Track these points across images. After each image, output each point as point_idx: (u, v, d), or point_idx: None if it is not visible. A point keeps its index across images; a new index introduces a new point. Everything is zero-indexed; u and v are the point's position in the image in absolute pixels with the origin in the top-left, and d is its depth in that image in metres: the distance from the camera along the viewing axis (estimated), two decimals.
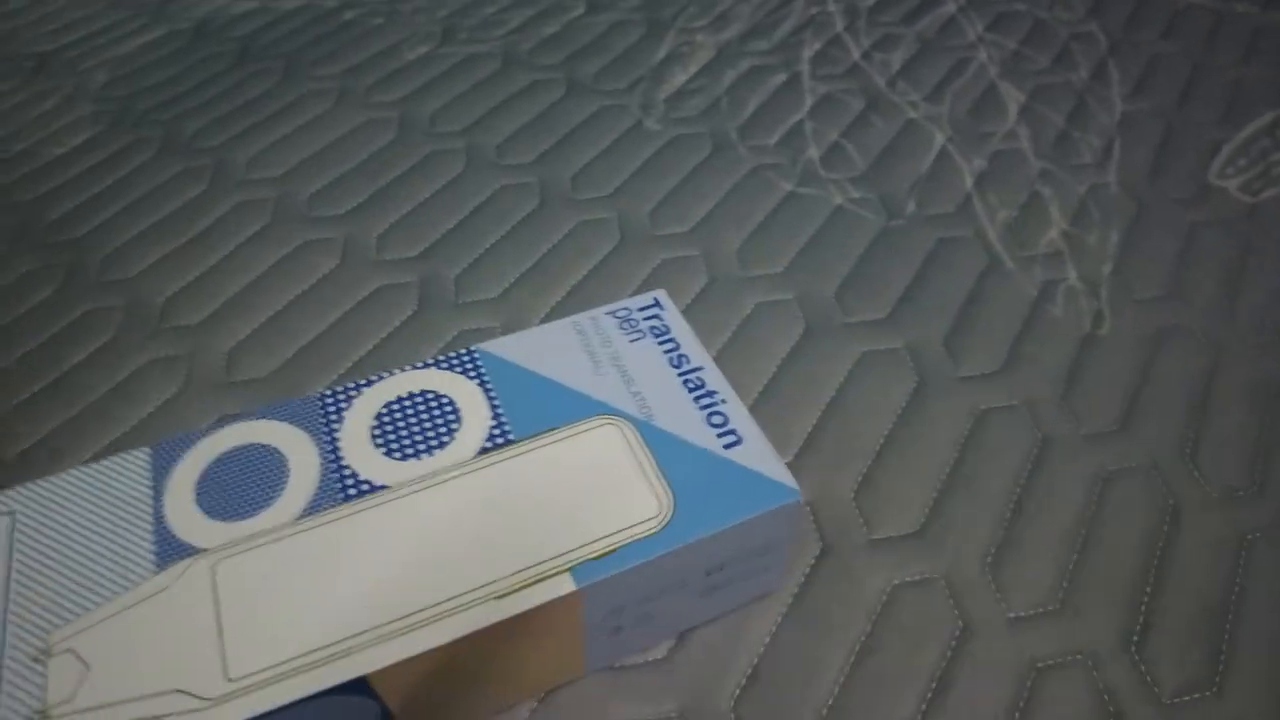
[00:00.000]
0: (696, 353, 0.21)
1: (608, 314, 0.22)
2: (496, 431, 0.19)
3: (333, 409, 0.20)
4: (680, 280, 0.30)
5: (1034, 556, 0.23)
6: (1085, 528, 0.24)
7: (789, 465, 0.25)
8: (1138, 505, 0.24)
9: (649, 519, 0.18)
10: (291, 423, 0.19)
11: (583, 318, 0.22)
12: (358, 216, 0.33)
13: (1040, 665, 0.21)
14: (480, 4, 0.45)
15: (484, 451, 0.19)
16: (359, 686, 0.15)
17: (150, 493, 0.18)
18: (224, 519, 0.17)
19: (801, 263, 0.31)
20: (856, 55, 0.42)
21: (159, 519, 0.17)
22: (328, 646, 0.15)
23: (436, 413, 0.19)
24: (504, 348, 0.21)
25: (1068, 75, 0.41)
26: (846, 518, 0.24)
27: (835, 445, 0.25)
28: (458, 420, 0.19)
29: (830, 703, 0.20)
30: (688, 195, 0.34)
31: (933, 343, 0.28)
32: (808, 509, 0.24)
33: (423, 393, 0.20)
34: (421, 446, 0.19)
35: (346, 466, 0.18)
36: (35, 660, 0.15)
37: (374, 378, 0.20)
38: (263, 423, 0.19)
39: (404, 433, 0.19)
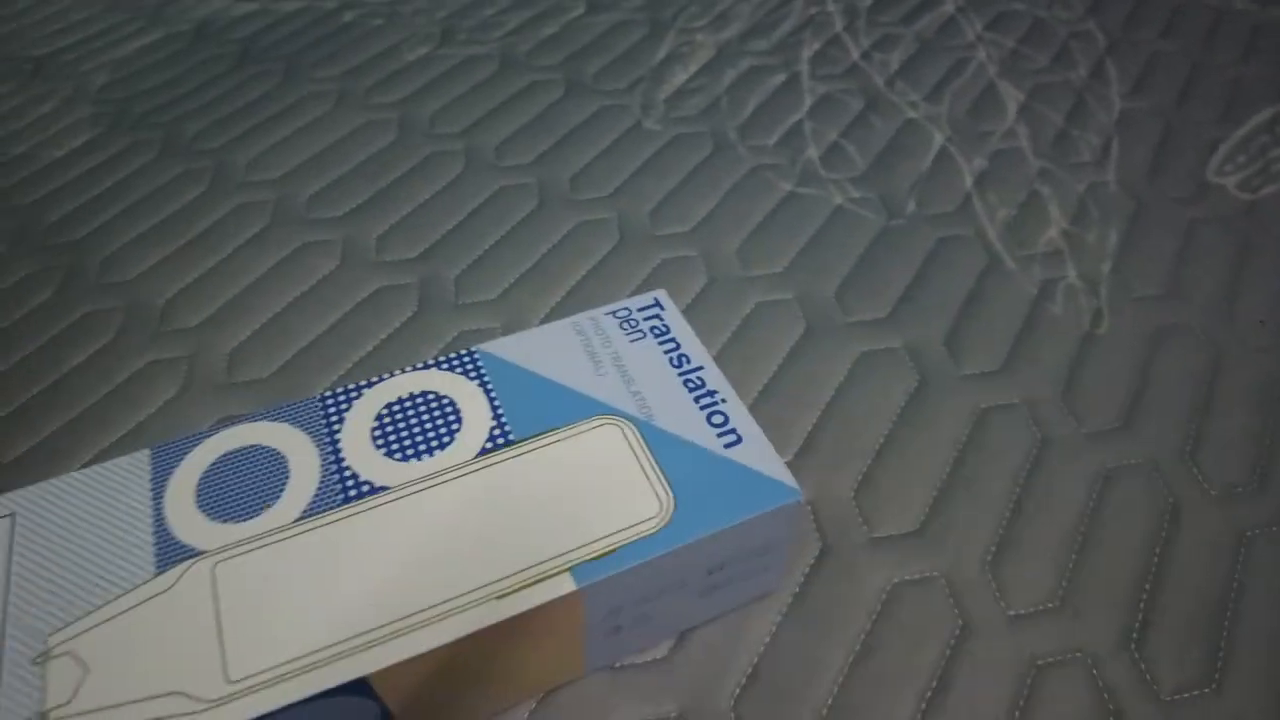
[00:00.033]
0: (697, 352, 0.21)
1: (608, 314, 0.22)
2: (497, 432, 0.19)
3: (333, 410, 0.20)
4: (680, 280, 0.30)
5: (1034, 555, 0.23)
6: (1085, 526, 0.24)
7: (789, 465, 0.25)
8: (1137, 503, 0.24)
9: (649, 519, 0.18)
10: (292, 424, 0.19)
11: (583, 318, 0.22)
12: (357, 218, 0.33)
13: (1040, 663, 0.21)
14: (479, 5, 0.45)
15: (484, 452, 0.19)
16: (359, 687, 0.16)
17: (150, 495, 0.18)
18: (224, 520, 0.17)
19: (801, 262, 0.31)
20: (856, 55, 0.42)
21: (159, 521, 0.17)
22: (328, 647, 0.16)
23: (437, 413, 0.20)
24: (504, 348, 0.21)
25: (1066, 74, 0.41)
26: (846, 517, 0.24)
27: (835, 444, 0.25)
28: (458, 421, 0.19)
29: (830, 702, 0.20)
30: (687, 195, 0.34)
31: (933, 342, 0.28)
32: (808, 508, 0.24)
33: (423, 393, 0.20)
34: (422, 447, 0.19)
35: (347, 467, 0.18)
36: (34, 663, 0.15)
37: (374, 379, 0.20)
38: (263, 424, 0.19)
39: (405, 434, 0.19)
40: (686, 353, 0.21)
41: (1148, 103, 0.39)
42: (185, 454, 0.19)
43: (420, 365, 0.21)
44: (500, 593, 0.16)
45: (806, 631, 0.21)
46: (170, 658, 0.15)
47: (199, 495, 0.18)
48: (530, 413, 0.20)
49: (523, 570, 0.17)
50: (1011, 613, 0.22)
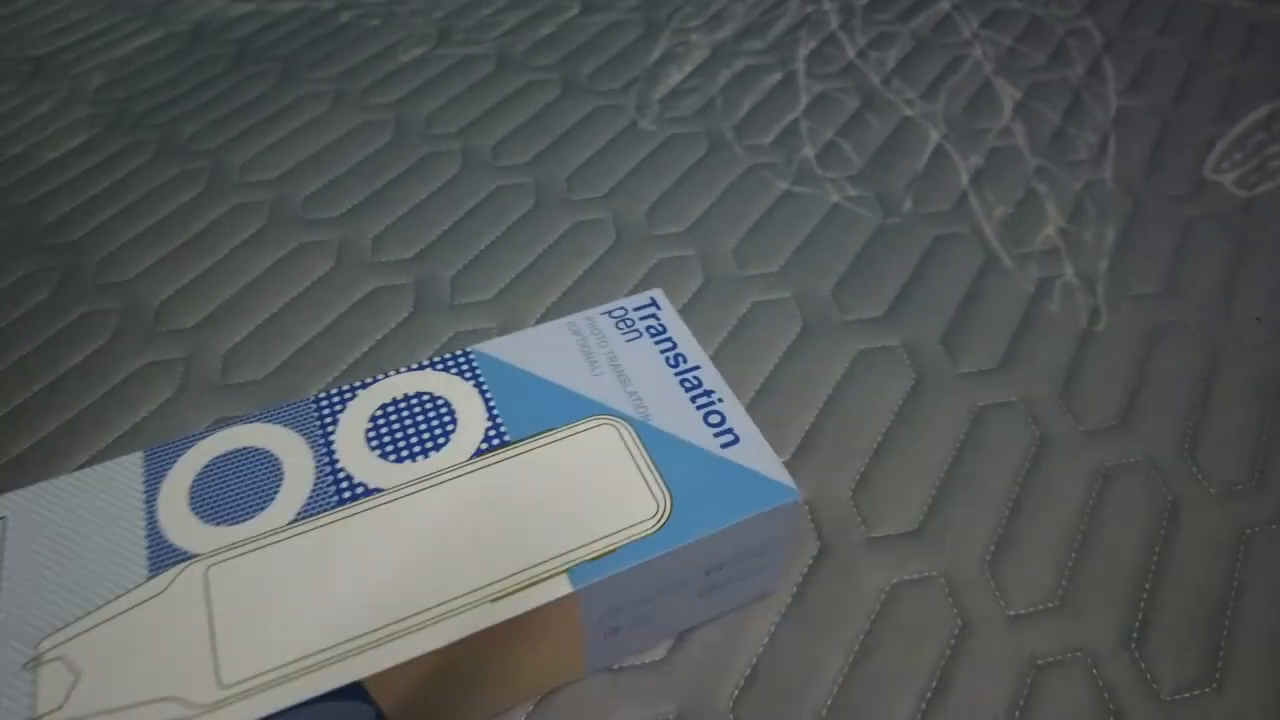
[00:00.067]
0: (693, 352, 0.21)
1: (604, 314, 0.22)
2: (492, 433, 0.19)
3: (327, 412, 0.19)
4: (676, 280, 0.30)
5: (1033, 554, 0.23)
6: (1084, 525, 0.24)
7: (787, 464, 0.25)
8: (1136, 502, 0.24)
9: (646, 519, 0.18)
10: (286, 426, 0.19)
11: (578, 318, 0.22)
12: (353, 218, 0.33)
13: (1040, 663, 0.21)
14: (476, 5, 0.45)
15: (480, 453, 0.19)
16: (354, 691, 0.15)
17: (143, 497, 0.18)
18: (218, 523, 0.17)
19: (798, 261, 0.31)
20: (852, 54, 0.42)
21: (152, 524, 0.17)
22: (322, 651, 0.15)
23: (432, 415, 0.19)
24: (500, 349, 0.21)
25: (1063, 72, 0.41)
26: (845, 517, 0.24)
27: (833, 444, 0.25)
28: (453, 422, 0.19)
29: (829, 703, 0.20)
30: (683, 195, 0.34)
31: (930, 340, 0.28)
32: (806, 508, 0.24)
33: (418, 394, 0.20)
34: (417, 448, 0.19)
35: (341, 469, 0.18)
36: (26, 668, 0.15)
37: (369, 380, 0.20)
38: (257, 426, 0.19)
39: (399, 435, 0.19)
40: (683, 352, 0.21)
41: (1145, 100, 0.39)
42: (178, 456, 0.18)
43: (415, 366, 0.21)
44: (496, 595, 0.16)
45: (805, 632, 0.21)
46: (163, 662, 0.15)
47: (192, 498, 0.18)
48: (526, 413, 0.20)
49: (519, 572, 0.17)
50: (1011, 612, 0.22)
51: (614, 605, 0.18)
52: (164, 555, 0.17)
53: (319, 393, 0.22)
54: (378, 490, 0.18)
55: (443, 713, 0.18)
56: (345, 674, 0.15)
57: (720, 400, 0.20)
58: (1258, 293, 0.30)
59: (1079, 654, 0.21)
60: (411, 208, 0.33)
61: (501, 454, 0.19)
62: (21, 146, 0.36)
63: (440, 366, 0.21)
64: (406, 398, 0.20)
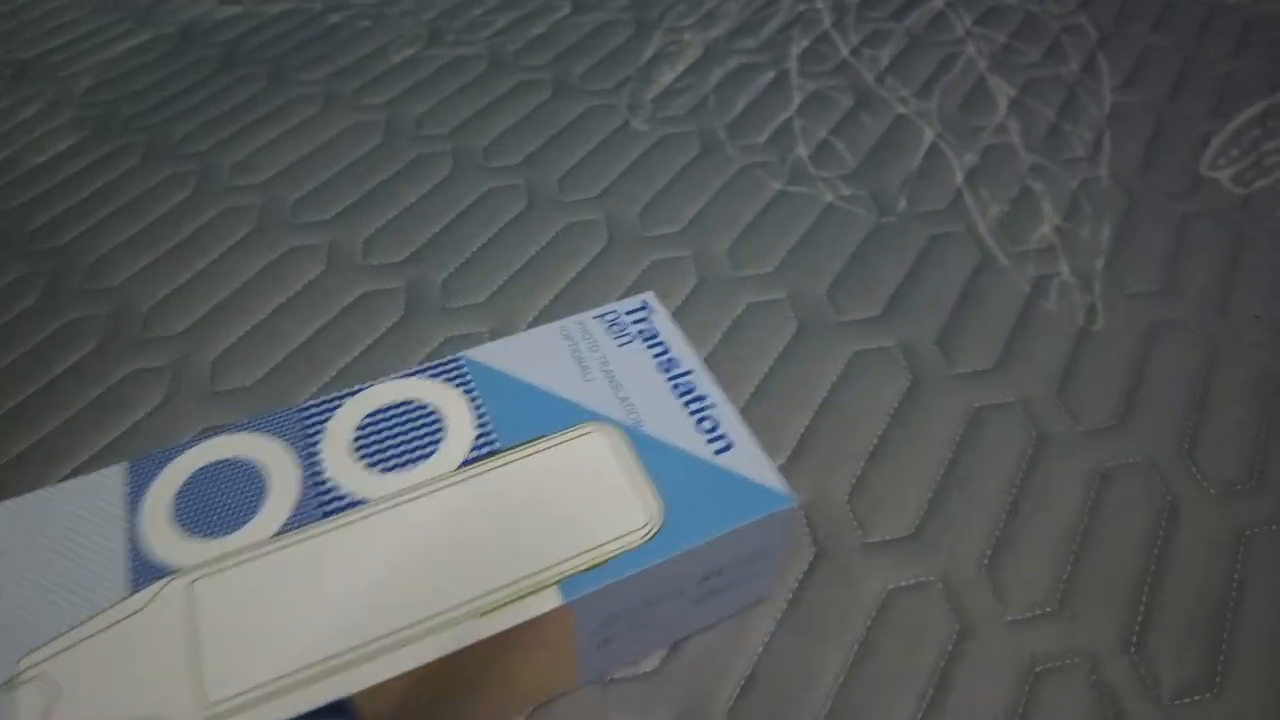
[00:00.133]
0: (686, 356, 0.21)
1: (595, 318, 0.22)
2: (482, 441, 0.19)
3: (313, 421, 0.19)
4: (670, 281, 0.30)
5: (1031, 556, 0.23)
6: (1083, 526, 0.23)
7: (782, 467, 0.25)
8: (1135, 502, 0.24)
9: (638, 529, 0.17)
10: (271, 435, 0.19)
11: (570, 322, 0.22)
12: (344, 221, 0.32)
13: (1039, 668, 0.21)
14: (467, 5, 0.45)
15: (468, 462, 0.18)
16: (341, 707, 0.15)
17: (125, 511, 0.17)
18: (201, 536, 0.17)
19: (792, 262, 0.31)
20: (845, 52, 0.41)
21: (133, 538, 0.17)
22: (308, 667, 0.15)
23: (420, 423, 0.19)
24: (490, 355, 0.21)
25: (1058, 68, 0.40)
26: (841, 521, 0.23)
27: (829, 447, 0.25)
28: (442, 430, 0.19)
29: (827, 709, 0.20)
30: (676, 195, 0.33)
31: (925, 341, 0.28)
32: (801, 513, 0.24)
33: (406, 403, 0.20)
34: (405, 458, 0.18)
35: (327, 480, 0.18)
36: (4, 687, 0.15)
37: (357, 388, 0.20)
38: (241, 436, 0.19)
39: (387, 444, 0.19)
40: (675, 356, 0.21)
41: (1140, 97, 0.39)
42: (161, 468, 0.18)
43: (405, 373, 0.20)
44: (485, 609, 0.16)
45: (801, 638, 0.21)
46: (145, 680, 0.15)
47: (175, 511, 0.17)
48: (516, 421, 0.19)
49: (509, 585, 0.16)
50: (1009, 616, 0.22)
51: (607, 616, 0.18)
52: (146, 570, 0.16)
53: (307, 400, 0.21)
54: (364, 501, 0.18)
55: None
56: (332, 690, 0.15)
57: (713, 405, 0.20)
58: (1255, 290, 0.30)
59: (1078, 658, 0.21)
60: (402, 210, 0.33)
61: (490, 463, 0.18)
62: (8, 151, 0.36)
63: (429, 373, 0.20)
64: (394, 406, 0.19)
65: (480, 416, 0.19)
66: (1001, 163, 0.35)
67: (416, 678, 0.16)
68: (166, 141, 0.36)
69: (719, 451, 0.19)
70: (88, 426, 0.26)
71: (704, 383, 0.20)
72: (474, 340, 0.28)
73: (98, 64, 0.41)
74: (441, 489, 0.18)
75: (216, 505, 0.17)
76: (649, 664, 0.21)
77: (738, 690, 0.20)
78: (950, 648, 0.21)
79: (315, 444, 0.19)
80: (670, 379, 0.20)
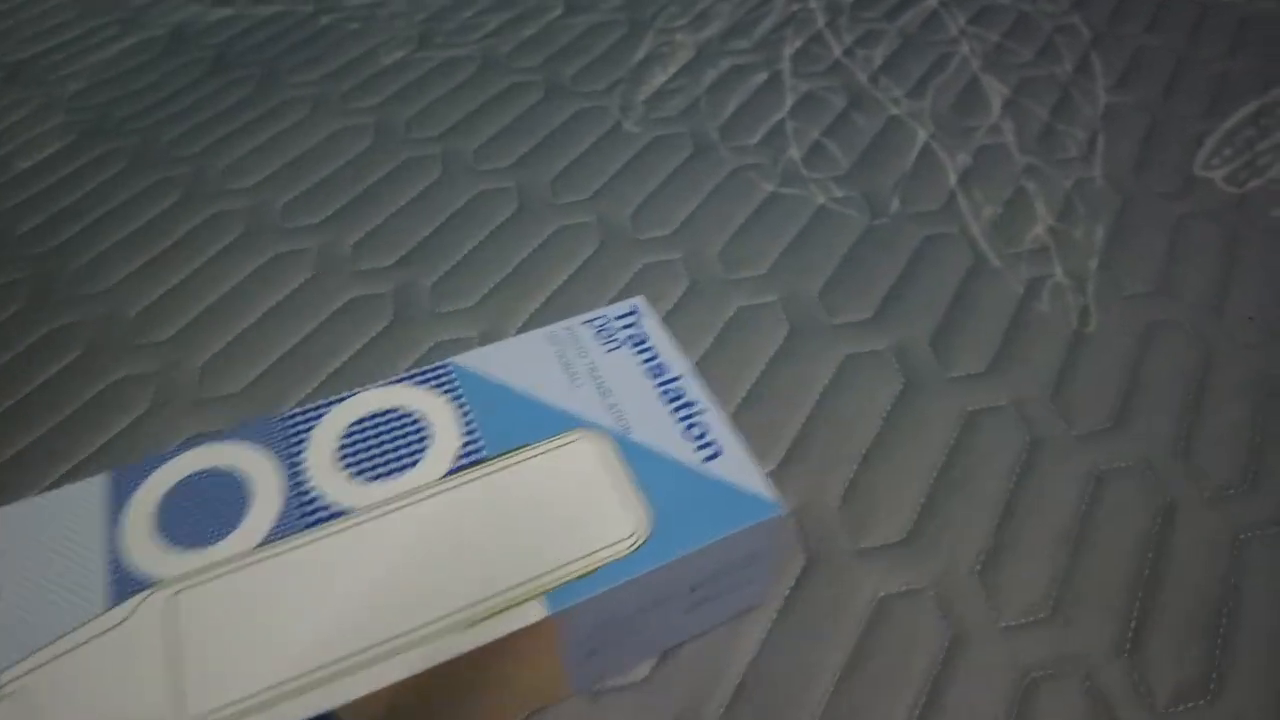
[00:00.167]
0: (676, 361, 0.21)
1: (584, 323, 0.22)
2: (468, 449, 0.19)
3: (296, 430, 0.19)
4: (662, 284, 0.30)
5: (1026, 561, 0.23)
6: (1078, 529, 0.23)
7: (774, 472, 0.24)
8: (1130, 505, 0.24)
9: (626, 538, 0.17)
10: (254, 444, 0.19)
11: (558, 328, 0.22)
12: (333, 225, 0.32)
13: (1034, 675, 0.21)
14: (458, 7, 0.45)
15: (454, 470, 0.18)
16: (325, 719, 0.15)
17: (106, 522, 0.17)
18: (183, 548, 0.17)
19: (785, 264, 0.31)
20: (838, 52, 0.41)
21: (114, 550, 0.17)
22: (291, 680, 0.15)
23: (405, 431, 0.19)
24: (477, 361, 0.21)
25: (1051, 68, 0.40)
26: (833, 526, 0.23)
27: (821, 450, 0.25)
28: (428, 438, 0.19)
29: (818, 718, 0.20)
30: (668, 198, 0.33)
31: (919, 343, 0.28)
32: (792, 519, 0.23)
33: (391, 410, 0.19)
34: (390, 467, 0.18)
35: (311, 490, 0.18)
36: None
37: (342, 395, 0.20)
38: (225, 445, 0.19)
39: (372, 453, 0.18)
40: (664, 362, 0.21)
41: (1133, 97, 0.39)
42: (142, 479, 0.18)
43: (391, 380, 0.20)
44: (471, 620, 0.16)
45: (793, 645, 0.21)
46: (127, 694, 0.15)
47: (157, 522, 0.17)
48: (503, 428, 0.19)
49: (495, 595, 0.16)
50: (1003, 623, 0.21)
51: (595, 626, 0.17)
52: (126, 582, 0.16)
53: (293, 408, 0.21)
54: (348, 511, 0.17)
55: None
56: (316, 703, 0.15)
57: (702, 411, 0.20)
58: (1250, 291, 0.30)
59: (1073, 663, 0.21)
60: (392, 214, 0.33)
61: (476, 471, 0.18)
62: None
63: (415, 380, 0.20)
64: (379, 414, 0.19)
65: (467, 424, 0.19)
66: (995, 163, 0.35)
67: (401, 691, 0.15)
68: (156, 145, 0.36)
69: (708, 459, 0.19)
70: (74, 433, 0.25)
71: (693, 388, 0.20)
72: (464, 345, 0.28)
73: (88, 67, 0.40)
74: (426, 498, 0.18)
75: (199, 516, 0.17)
76: (640, 672, 0.20)
77: (729, 698, 0.20)
78: (944, 654, 0.21)
79: (299, 453, 0.18)
80: (659, 385, 0.20)
